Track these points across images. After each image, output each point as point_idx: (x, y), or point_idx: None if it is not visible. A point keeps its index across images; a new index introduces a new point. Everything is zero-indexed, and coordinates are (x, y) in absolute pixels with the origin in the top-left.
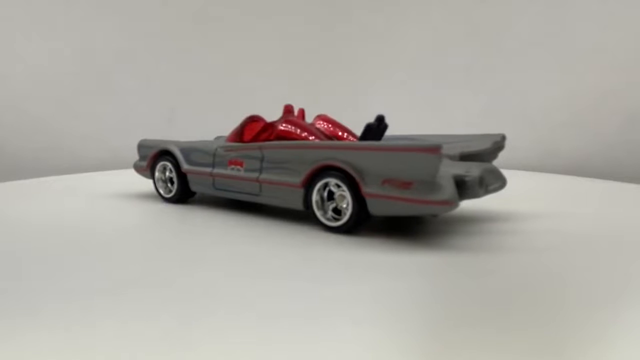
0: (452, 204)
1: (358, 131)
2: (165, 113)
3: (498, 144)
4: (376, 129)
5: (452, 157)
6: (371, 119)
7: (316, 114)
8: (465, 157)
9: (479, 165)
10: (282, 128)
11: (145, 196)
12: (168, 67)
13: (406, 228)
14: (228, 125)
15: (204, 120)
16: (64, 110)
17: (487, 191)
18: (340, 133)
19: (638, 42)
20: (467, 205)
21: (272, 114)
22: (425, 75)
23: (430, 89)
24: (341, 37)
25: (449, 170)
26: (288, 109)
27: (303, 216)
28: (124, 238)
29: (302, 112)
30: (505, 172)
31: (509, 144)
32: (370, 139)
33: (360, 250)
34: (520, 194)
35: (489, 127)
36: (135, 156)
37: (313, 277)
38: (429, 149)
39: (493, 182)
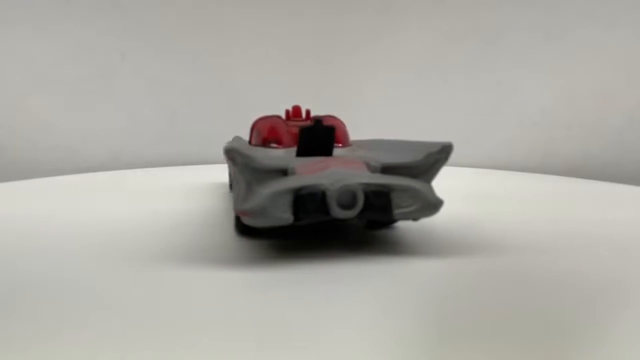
0: (250, 215)
1: (358, 133)
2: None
3: (433, 157)
4: (311, 132)
5: (373, 169)
6: (371, 119)
7: (318, 115)
8: (389, 170)
9: (374, 178)
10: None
11: (142, 197)
12: (169, 68)
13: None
14: (229, 125)
15: (205, 121)
16: (64, 111)
17: (394, 215)
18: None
19: (638, 42)
20: (464, 205)
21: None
22: (424, 76)
23: (430, 89)
24: (342, 38)
25: (318, 181)
26: (295, 110)
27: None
28: (123, 240)
29: (307, 113)
30: (504, 173)
31: (509, 145)
32: (306, 145)
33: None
34: (520, 195)
35: (489, 128)
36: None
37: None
38: (225, 150)
39: (407, 204)
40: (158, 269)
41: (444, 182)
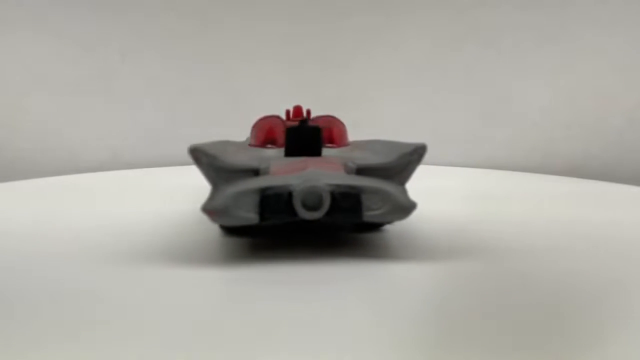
0: (214, 214)
1: (359, 133)
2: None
3: (406, 158)
4: (296, 132)
5: (349, 170)
6: (372, 119)
7: (318, 115)
8: (364, 171)
9: (344, 179)
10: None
11: (142, 197)
12: (169, 68)
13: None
14: (229, 125)
15: (205, 121)
16: (64, 111)
17: (364, 217)
18: (331, 136)
19: (638, 44)
20: (463, 205)
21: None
22: (424, 76)
23: (430, 89)
24: (342, 38)
25: (287, 181)
26: (296, 110)
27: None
28: (123, 241)
29: (308, 113)
30: (504, 173)
31: (509, 145)
32: (293, 145)
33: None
34: (519, 195)
35: (488, 128)
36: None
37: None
38: (189, 150)
39: (378, 206)
40: (158, 269)
41: (442, 183)
